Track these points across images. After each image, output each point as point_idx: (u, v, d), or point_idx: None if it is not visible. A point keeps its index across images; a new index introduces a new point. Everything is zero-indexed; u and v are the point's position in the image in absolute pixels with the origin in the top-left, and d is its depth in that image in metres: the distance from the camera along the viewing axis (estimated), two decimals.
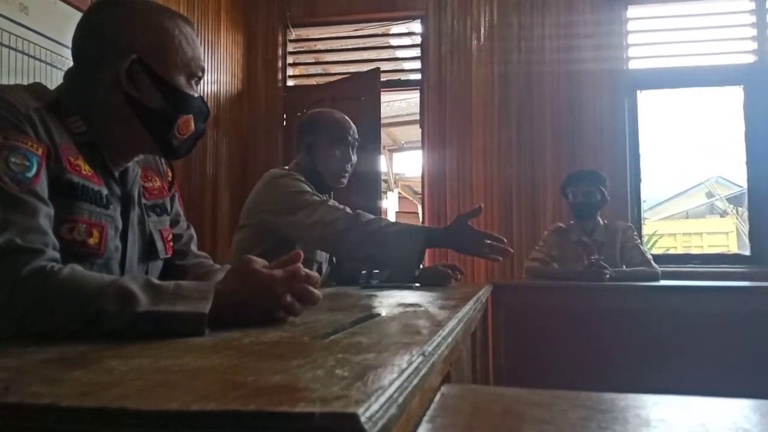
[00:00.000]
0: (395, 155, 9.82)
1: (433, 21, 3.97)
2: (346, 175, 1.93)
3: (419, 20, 4.05)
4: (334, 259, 2.04)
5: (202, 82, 1.06)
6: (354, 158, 1.94)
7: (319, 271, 1.94)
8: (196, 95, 1.03)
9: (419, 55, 4.07)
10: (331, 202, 1.77)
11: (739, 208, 9.90)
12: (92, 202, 0.93)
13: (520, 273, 3.36)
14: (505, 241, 1.70)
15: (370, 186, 3.57)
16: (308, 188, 1.81)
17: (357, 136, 1.96)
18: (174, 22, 1.00)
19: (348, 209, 1.72)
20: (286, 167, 1.96)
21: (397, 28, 4.26)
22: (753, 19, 3.69)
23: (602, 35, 3.76)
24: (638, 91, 3.82)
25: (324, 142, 1.90)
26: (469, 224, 1.66)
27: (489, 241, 1.63)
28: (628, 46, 3.82)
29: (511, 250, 1.71)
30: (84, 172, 0.92)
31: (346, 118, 2.00)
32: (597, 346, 2.36)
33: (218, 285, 0.81)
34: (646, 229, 5.34)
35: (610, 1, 3.77)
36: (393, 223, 1.73)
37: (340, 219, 1.68)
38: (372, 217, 1.71)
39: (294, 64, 4.31)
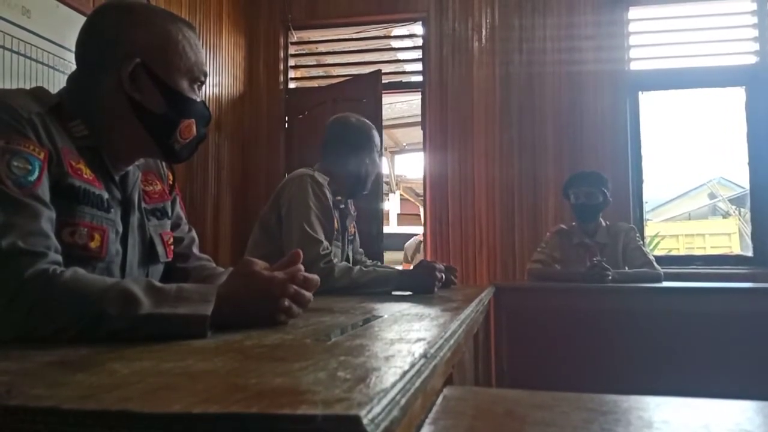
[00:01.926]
0: (397, 157, 9.85)
1: (434, 23, 3.97)
2: (371, 180, 2.05)
3: (420, 22, 4.05)
4: None
5: (204, 85, 1.07)
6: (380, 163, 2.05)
7: None
8: (198, 100, 1.03)
9: (420, 56, 4.07)
10: (325, 246, 1.75)
11: (742, 209, 9.87)
12: (93, 206, 0.93)
13: (523, 275, 3.35)
14: (456, 275, 2.02)
15: (371, 188, 3.57)
16: (321, 218, 1.80)
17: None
18: (177, 27, 1.00)
19: (325, 262, 1.70)
20: (311, 171, 1.92)
21: (398, 30, 4.27)
22: (755, 20, 3.68)
23: (604, 36, 3.75)
24: (640, 92, 3.81)
25: (356, 150, 1.97)
26: (427, 263, 1.70)
27: (441, 275, 1.68)
28: (630, 47, 3.81)
29: (455, 283, 2.02)
30: (85, 176, 0.92)
31: (370, 124, 2.06)
32: (599, 348, 2.36)
33: (220, 288, 0.81)
34: (649, 231, 5.33)
35: (611, 2, 3.76)
36: (366, 272, 1.72)
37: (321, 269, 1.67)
38: (343, 267, 1.72)
39: (295, 67, 4.31)
